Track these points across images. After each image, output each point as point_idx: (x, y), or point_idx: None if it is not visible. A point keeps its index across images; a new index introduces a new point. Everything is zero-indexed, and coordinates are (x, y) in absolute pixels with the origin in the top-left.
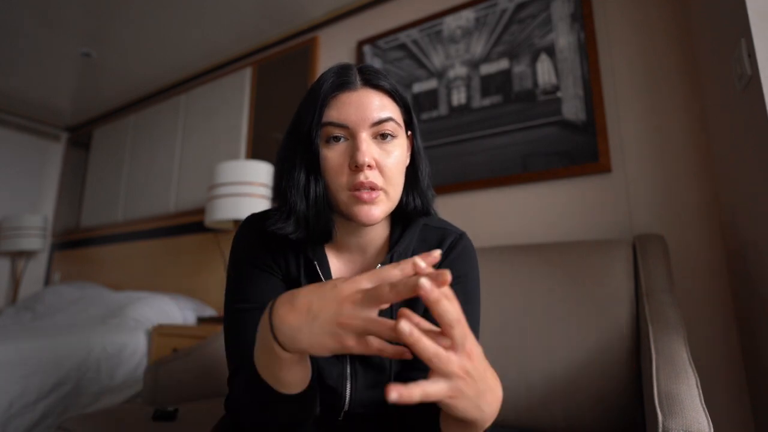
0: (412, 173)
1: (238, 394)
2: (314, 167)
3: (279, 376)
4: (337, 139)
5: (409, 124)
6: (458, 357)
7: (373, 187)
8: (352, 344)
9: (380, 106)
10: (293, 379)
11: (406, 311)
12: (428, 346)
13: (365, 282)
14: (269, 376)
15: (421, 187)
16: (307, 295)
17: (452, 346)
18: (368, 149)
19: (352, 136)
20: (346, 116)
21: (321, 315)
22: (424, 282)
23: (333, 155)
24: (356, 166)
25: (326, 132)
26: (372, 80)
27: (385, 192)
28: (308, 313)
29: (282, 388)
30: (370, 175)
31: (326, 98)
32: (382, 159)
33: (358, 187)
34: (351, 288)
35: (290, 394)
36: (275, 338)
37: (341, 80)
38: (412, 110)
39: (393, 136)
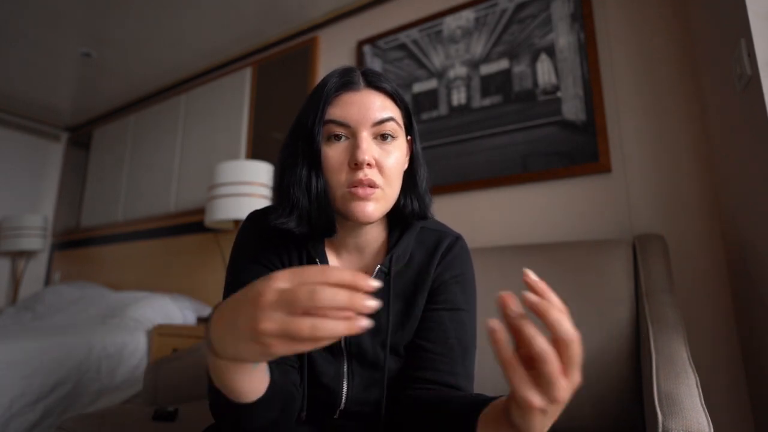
0: (410, 177)
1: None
2: (316, 164)
3: (224, 383)
4: (338, 137)
5: (409, 128)
6: (568, 383)
7: (371, 185)
8: (278, 349)
9: (382, 107)
10: (241, 388)
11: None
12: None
13: (281, 282)
14: (217, 383)
15: (419, 191)
16: (231, 300)
17: (564, 369)
18: (368, 148)
19: (353, 135)
20: (348, 115)
21: (239, 320)
22: (530, 295)
23: (334, 153)
24: (356, 164)
25: (328, 130)
26: (374, 82)
27: (383, 191)
28: (229, 319)
29: (232, 396)
30: (369, 173)
31: (329, 97)
32: (381, 159)
33: (356, 184)
34: (266, 288)
35: (242, 403)
36: (211, 345)
37: (344, 80)
38: (412, 114)
39: (393, 137)
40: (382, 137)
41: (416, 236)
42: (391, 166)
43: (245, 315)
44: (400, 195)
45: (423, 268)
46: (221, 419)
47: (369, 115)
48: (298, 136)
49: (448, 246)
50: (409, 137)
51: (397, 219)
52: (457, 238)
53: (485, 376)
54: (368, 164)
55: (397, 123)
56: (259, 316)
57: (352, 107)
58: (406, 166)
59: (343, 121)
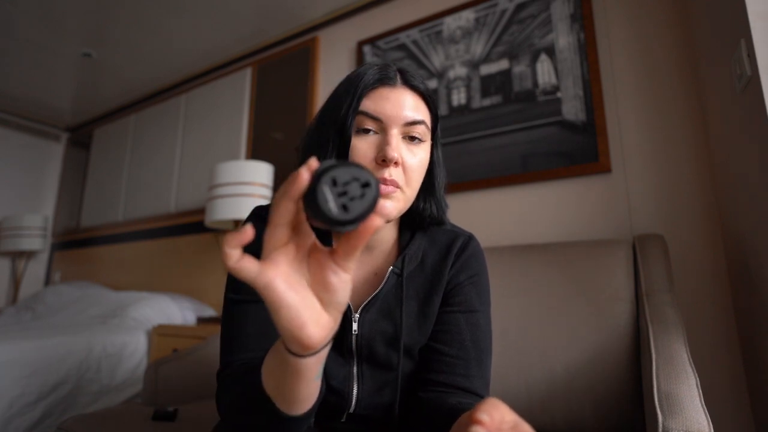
0: (428, 181)
1: (225, 390)
2: (344, 154)
3: (287, 390)
4: (367, 131)
5: (433, 133)
6: None
7: (393, 185)
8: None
9: (415, 108)
10: (303, 396)
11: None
12: None
13: None
14: (275, 390)
15: (437, 196)
16: None
17: None
18: (398, 146)
19: (383, 131)
20: (382, 110)
21: None
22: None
23: (362, 146)
24: (383, 160)
25: (359, 122)
26: (411, 81)
27: (403, 192)
28: None
29: (287, 407)
30: (394, 173)
31: (366, 89)
32: (407, 159)
33: (379, 181)
34: None
35: (294, 415)
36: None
37: (382, 75)
38: (438, 120)
39: (421, 140)
40: (410, 138)
41: (428, 236)
42: (415, 168)
43: None
44: (419, 198)
45: (437, 269)
46: (238, 415)
47: (402, 114)
48: (328, 123)
49: (461, 246)
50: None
51: (411, 221)
52: (470, 237)
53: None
54: (395, 163)
55: (427, 127)
56: None
57: (387, 103)
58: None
59: (376, 115)
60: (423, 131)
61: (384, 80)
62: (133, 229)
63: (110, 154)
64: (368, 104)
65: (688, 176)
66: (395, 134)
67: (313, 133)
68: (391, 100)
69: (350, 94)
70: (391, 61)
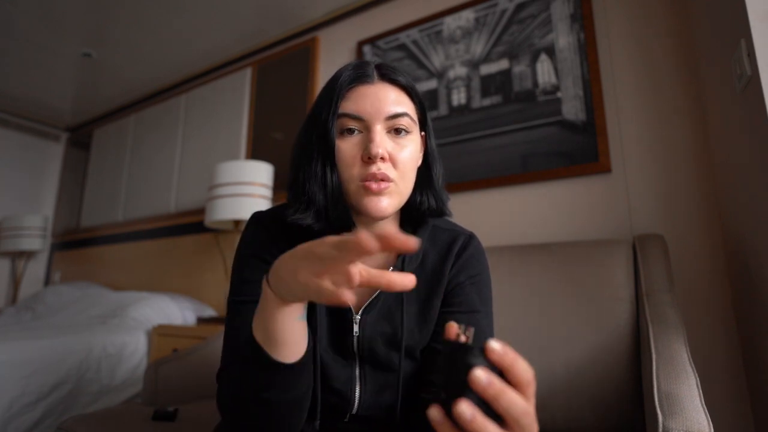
0: (425, 173)
1: (225, 388)
2: (330, 159)
3: (271, 330)
4: (351, 131)
5: (423, 124)
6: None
7: (384, 179)
8: (303, 275)
9: (396, 101)
10: (285, 336)
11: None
12: None
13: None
14: (264, 334)
15: (435, 188)
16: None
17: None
18: (382, 141)
19: (366, 129)
20: (362, 108)
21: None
22: (480, 374)
23: (347, 147)
24: (369, 158)
25: (341, 123)
26: (389, 75)
27: (396, 185)
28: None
29: (275, 352)
30: (383, 167)
31: (342, 90)
32: (395, 152)
33: (369, 178)
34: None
35: (284, 363)
36: (268, 285)
37: (358, 73)
38: (427, 110)
39: (407, 132)
40: (396, 131)
41: (429, 235)
42: (404, 160)
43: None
44: (416, 192)
45: (437, 269)
46: (251, 398)
47: (383, 109)
48: (312, 130)
49: (462, 246)
50: (423, 133)
51: (411, 217)
52: (471, 237)
53: None
54: (381, 158)
55: (411, 118)
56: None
57: (366, 100)
58: (419, 162)
59: (357, 114)
60: (408, 123)
61: (361, 78)
62: (133, 229)
63: (110, 154)
64: (347, 104)
65: (688, 176)
66: (379, 130)
67: (300, 142)
68: (370, 96)
69: (329, 98)
70: (386, 60)
